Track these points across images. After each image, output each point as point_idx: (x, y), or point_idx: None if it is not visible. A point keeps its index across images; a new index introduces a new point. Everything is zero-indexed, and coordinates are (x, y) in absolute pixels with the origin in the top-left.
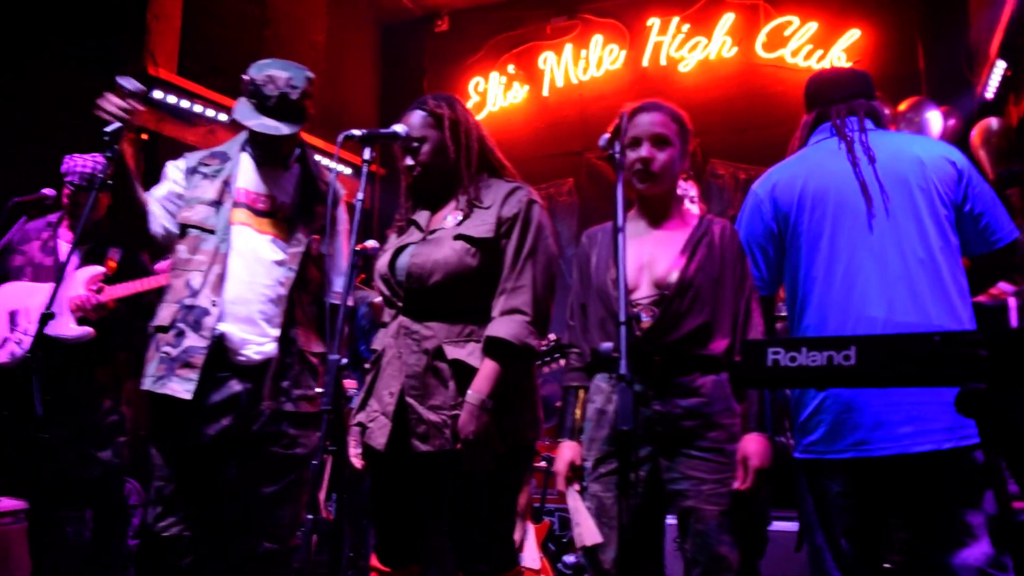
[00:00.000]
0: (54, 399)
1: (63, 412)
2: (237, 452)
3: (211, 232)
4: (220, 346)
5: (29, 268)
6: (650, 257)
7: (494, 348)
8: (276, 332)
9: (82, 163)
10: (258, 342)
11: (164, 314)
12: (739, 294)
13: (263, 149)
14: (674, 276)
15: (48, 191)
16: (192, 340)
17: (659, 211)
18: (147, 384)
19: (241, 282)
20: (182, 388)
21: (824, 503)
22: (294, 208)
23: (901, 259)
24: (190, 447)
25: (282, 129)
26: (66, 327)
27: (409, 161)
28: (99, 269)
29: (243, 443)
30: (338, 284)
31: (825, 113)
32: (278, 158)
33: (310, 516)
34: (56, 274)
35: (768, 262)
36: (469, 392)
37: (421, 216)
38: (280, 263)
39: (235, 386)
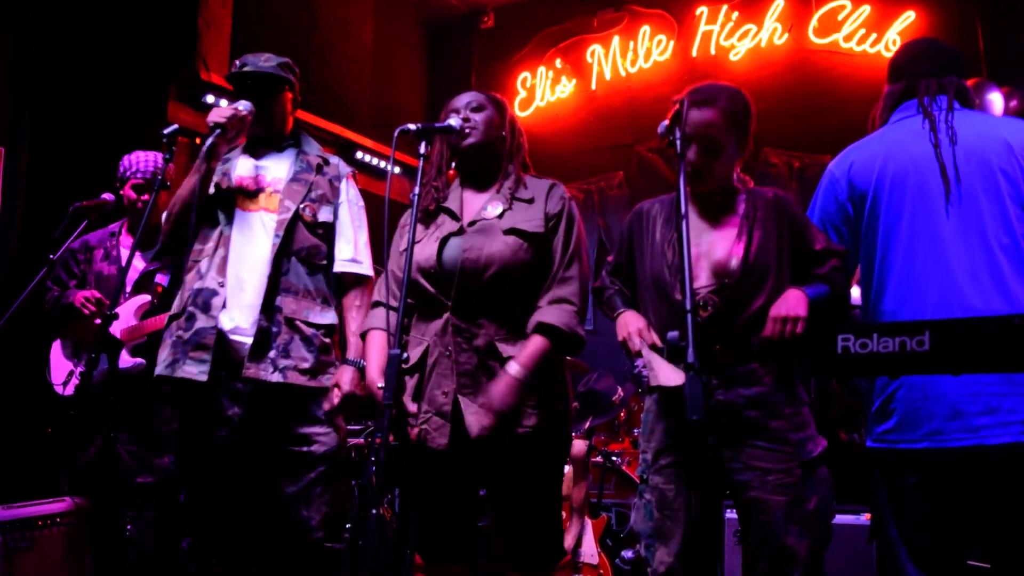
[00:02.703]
0: (121, 406)
1: (128, 417)
2: (252, 452)
3: (213, 221)
4: (222, 341)
5: (92, 278)
6: (708, 245)
7: (543, 334)
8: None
9: (144, 162)
10: (250, 332)
11: (177, 302)
12: (801, 255)
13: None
14: (734, 263)
15: (108, 196)
16: (203, 322)
17: (709, 197)
18: (159, 370)
19: (239, 262)
20: (196, 370)
21: (898, 495)
22: (284, 182)
23: (983, 245)
24: (205, 447)
25: (257, 64)
26: (121, 358)
27: (456, 122)
28: (146, 299)
29: (256, 442)
30: (346, 252)
31: (914, 86)
32: (266, 128)
33: (374, 512)
34: (118, 279)
35: (843, 243)
36: (512, 364)
37: (452, 203)
38: (269, 233)
39: (238, 384)
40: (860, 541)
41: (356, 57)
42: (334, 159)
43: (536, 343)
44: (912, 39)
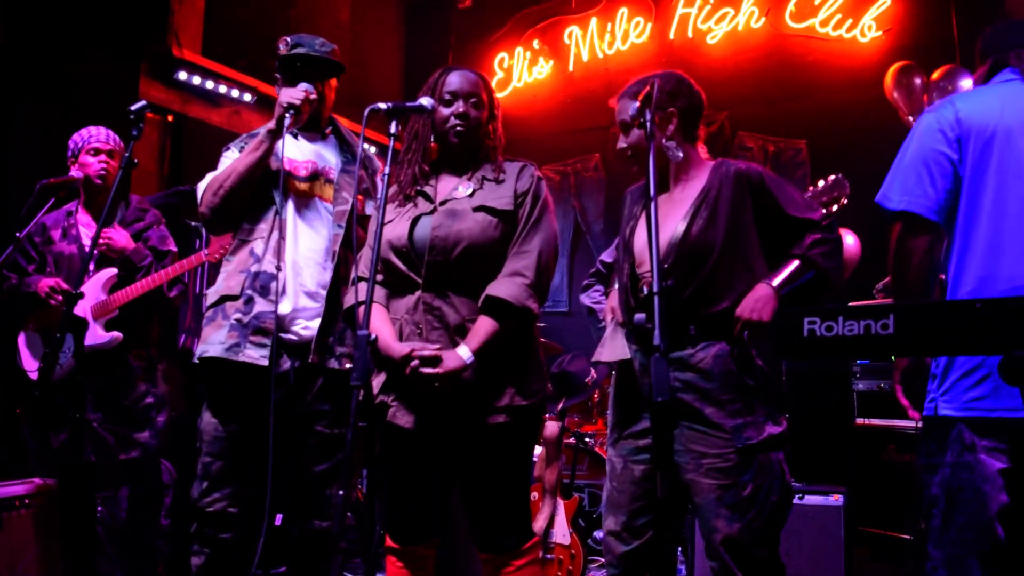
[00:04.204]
0: (92, 384)
1: (101, 396)
2: (286, 431)
3: (264, 201)
4: (279, 326)
5: (51, 259)
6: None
7: (493, 308)
8: (324, 292)
9: (97, 132)
10: (308, 315)
11: (231, 283)
12: (778, 224)
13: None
14: (668, 247)
15: (76, 173)
16: (262, 305)
17: (664, 177)
18: (215, 352)
19: (297, 247)
20: (258, 355)
21: (978, 479)
22: (336, 171)
23: None
24: (244, 423)
25: (314, 47)
26: (95, 335)
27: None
28: (112, 271)
29: (291, 421)
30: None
31: (1003, 60)
32: (313, 123)
33: (340, 492)
34: (81, 260)
35: (936, 185)
36: (462, 346)
37: (429, 187)
38: (328, 223)
39: (284, 363)
40: (830, 521)
41: (332, 35)
42: (369, 152)
43: (485, 326)
44: (994, 24)
